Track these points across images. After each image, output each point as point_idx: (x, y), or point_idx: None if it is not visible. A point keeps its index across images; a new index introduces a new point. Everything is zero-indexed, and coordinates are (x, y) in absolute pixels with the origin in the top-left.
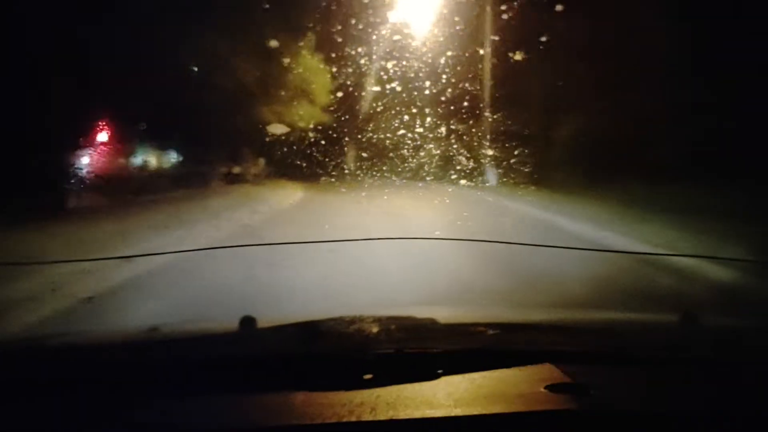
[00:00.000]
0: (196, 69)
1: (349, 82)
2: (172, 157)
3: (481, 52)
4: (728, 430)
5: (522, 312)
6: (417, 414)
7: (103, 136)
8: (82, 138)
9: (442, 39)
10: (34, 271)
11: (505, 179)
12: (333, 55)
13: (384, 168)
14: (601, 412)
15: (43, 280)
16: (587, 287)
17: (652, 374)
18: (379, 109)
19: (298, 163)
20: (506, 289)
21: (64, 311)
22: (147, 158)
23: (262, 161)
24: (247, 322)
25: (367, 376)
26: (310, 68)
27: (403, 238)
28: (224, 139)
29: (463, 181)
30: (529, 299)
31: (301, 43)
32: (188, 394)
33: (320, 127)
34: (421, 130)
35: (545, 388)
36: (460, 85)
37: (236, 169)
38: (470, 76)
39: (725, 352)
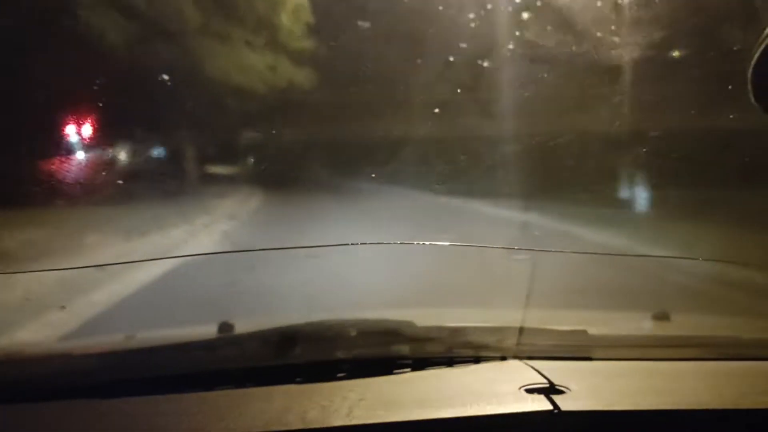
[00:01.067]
0: None
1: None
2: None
3: None
4: (702, 427)
5: (497, 312)
6: (393, 416)
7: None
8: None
9: None
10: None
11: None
12: None
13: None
14: (577, 412)
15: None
16: None
17: (625, 372)
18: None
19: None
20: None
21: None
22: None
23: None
24: (225, 327)
25: (340, 375)
26: None
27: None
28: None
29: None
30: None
31: None
32: (165, 400)
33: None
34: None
35: (520, 388)
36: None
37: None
38: None
39: (696, 349)
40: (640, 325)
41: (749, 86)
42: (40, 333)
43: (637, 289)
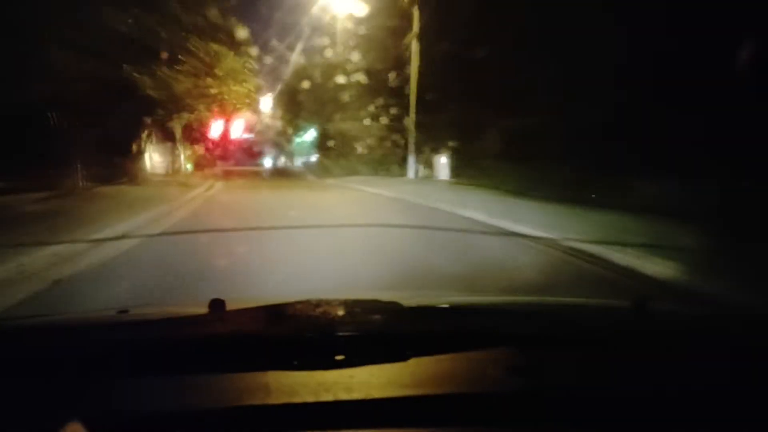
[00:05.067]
0: None
1: None
2: None
3: None
4: (680, 411)
5: (480, 297)
6: (390, 394)
7: None
8: None
9: None
10: None
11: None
12: None
13: None
14: (559, 394)
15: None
16: None
17: (606, 357)
18: None
19: None
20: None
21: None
22: None
23: None
24: (217, 304)
25: (339, 357)
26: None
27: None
28: None
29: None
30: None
31: None
32: (158, 375)
33: None
34: None
35: (504, 370)
36: None
37: None
38: None
39: (674, 336)
40: (620, 311)
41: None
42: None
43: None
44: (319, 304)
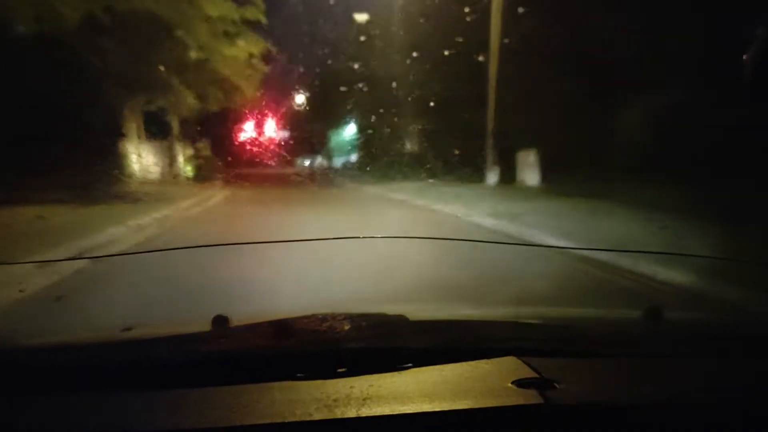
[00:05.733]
0: None
1: None
2: None
3: None
4: (691, 422)
5: (487, 308)
6: (389, 409)
7: None
8: None
9: None
10: None
11: None
12: None
13: None
14: (568, 406)
15: None
16: None
17: (616, 368)
18: None
19: None
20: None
21: None
22: None
23: None
24: (220, 320)
25: (341, 370)
26: None
27: None
28: None
29: None
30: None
31: None
32: (159, 392)
33: None
34: None
35: (512, 383)
36: None
37: None
38: None
39: (687, 346)
40: (631, 320)
41: (745, 82)
42: None
43: None
44: (325, 318)
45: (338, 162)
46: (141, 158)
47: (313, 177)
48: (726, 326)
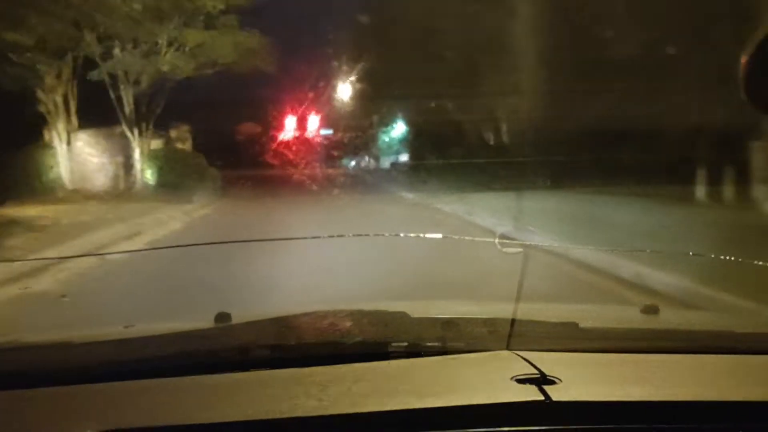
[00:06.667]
0: None
1: None
2: None
3: None
4: (692, 418)
5: (486, 304)
6: (388, 404)
7: None
8: None
9: None
10: None
11: None
12: None
13: None
14: (568, 402)
15: None
16: None
17: (615, 364)
18: None
19: None
20: None
21: None
22: None
23: None
24: (222, 317)
25: (341, 366)
26: None
27: None
28: None
29: None
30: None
31: None
32: (161, 388)
33: None
34: None
35: (512, 378)
36: None
37: None
38: None
39: (686, 342)
40: (629, 317)
41: (740, 84)
42: None
43: None
44: (326, 315)
45: (387, 161)
46: (72, 154)
47: (363, 180)
48: (723, 322)
